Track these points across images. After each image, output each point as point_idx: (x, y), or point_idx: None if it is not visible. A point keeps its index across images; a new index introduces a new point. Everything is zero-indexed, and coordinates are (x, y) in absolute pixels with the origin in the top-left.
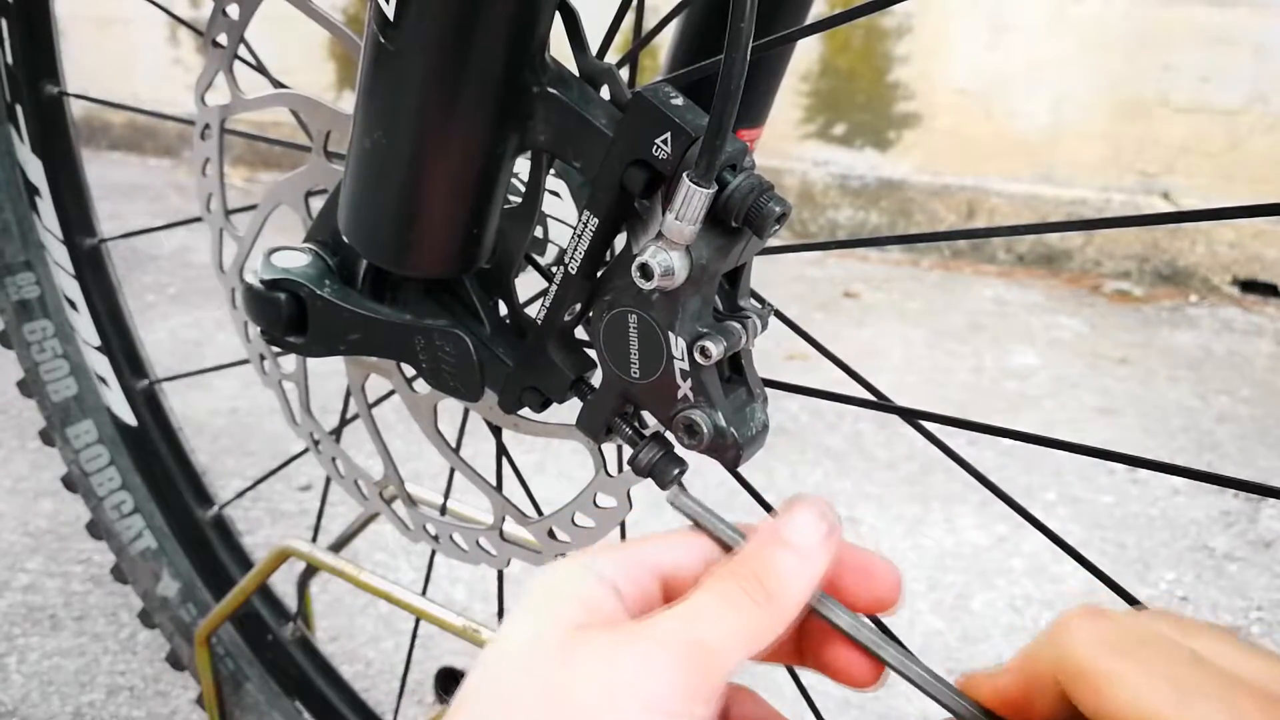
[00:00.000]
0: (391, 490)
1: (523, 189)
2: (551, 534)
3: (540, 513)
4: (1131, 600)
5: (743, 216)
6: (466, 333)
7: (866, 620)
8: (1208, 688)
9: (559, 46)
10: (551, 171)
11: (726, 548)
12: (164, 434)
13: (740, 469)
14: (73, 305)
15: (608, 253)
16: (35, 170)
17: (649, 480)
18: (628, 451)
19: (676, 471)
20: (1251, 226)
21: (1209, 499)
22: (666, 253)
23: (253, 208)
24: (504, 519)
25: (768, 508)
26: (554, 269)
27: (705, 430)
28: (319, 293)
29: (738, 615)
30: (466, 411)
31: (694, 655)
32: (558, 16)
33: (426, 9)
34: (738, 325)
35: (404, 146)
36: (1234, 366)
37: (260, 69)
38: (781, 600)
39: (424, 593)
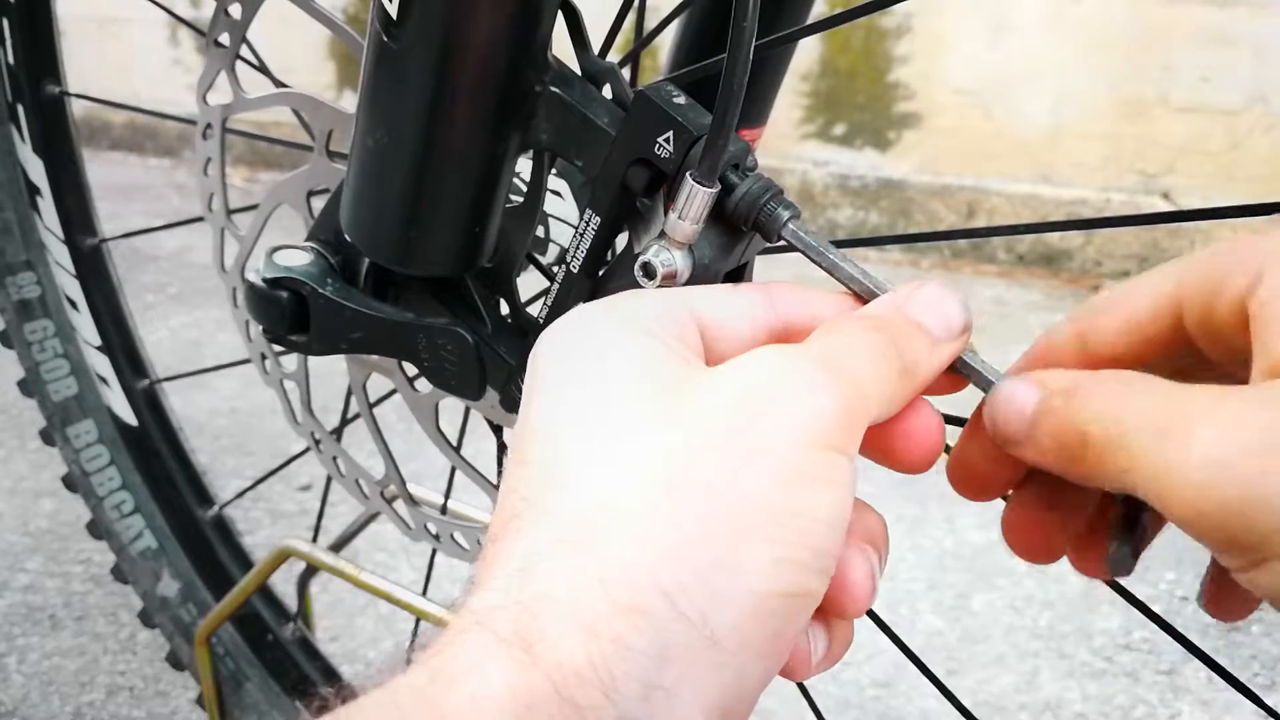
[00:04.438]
0: (392, 490)
1: (525, 188)
2: None
3: None
4: (1132, 600)
5: (752, 221)
6: (468, 331)
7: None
8: None
9: (561, 45)
10: (553, 170)
11: (855, 294)
12: (164, 434)
13: None
14: (73, 305)
15: (610, 252)
16: (36, 170)
17: None
18: None
19: None
20: (1251, 226)
21: None
22: (669, 252)
23: (254, 207)
24: None
25: None
26: (556, 268)
27: None
28: (321, 291)
29: (884, 367)
30: (468, 410)
31: (850, 388)
32: (560, 15)
33: (429, 8)
34: None
35: (406, 145)
36: None
37: (262, 68)
38: (912, 378)
39: (424, 593)
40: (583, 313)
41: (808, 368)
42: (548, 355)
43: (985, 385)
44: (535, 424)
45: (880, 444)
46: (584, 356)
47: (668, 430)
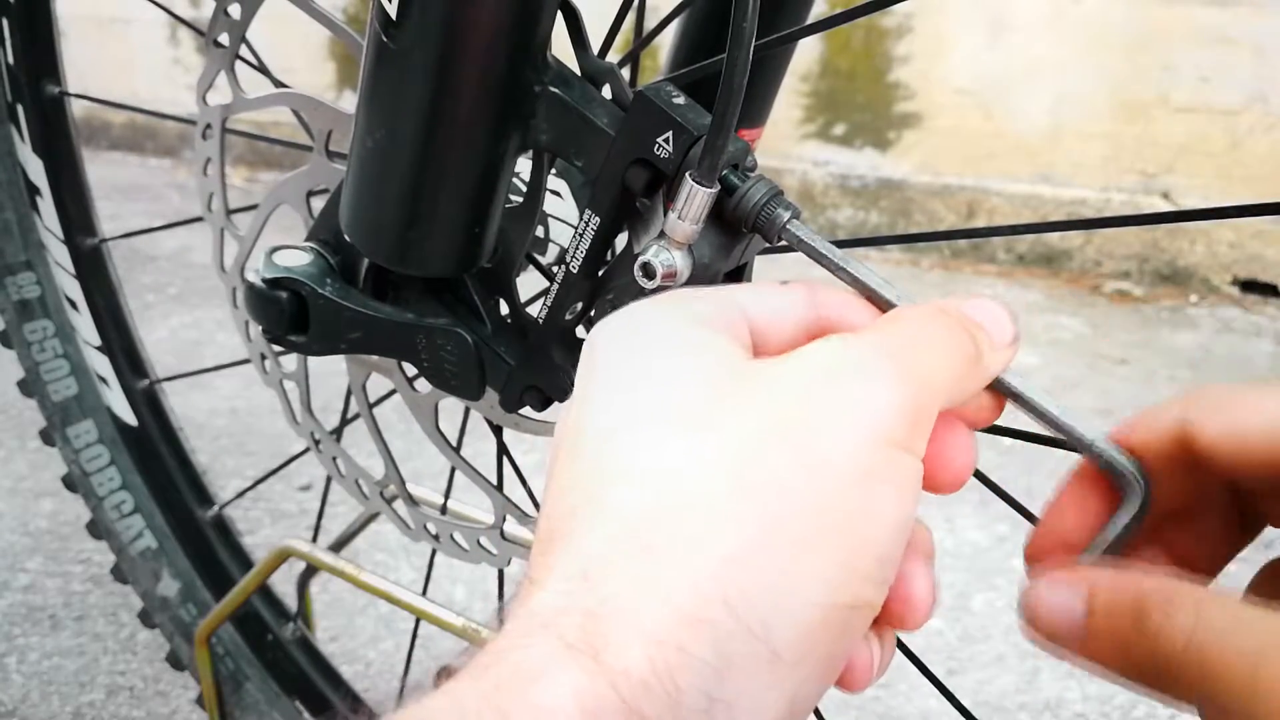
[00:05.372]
0: (392, 490)
1: (524, 188)
2: None
3: None
4: None
5: (752, 223)
6: (468, 332)
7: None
8: None
9: (560, 46)
10: (553, 171)
11: (878, 304)
12: (164, 434)
13: None
14: (73, 305)
15: (609, 252)
16: (36, 170)
17: None
18: None
19: None
20: (1251, 226)
21: None
22: (669, 252)
23: (254, 207)
24: (505, 518)
25: None
26: (555, 268)
27: None
28: (321, 291)
29: (950, 355)
30: (467, 411)
31: (917, 384)
32: (559, 16)
33: (429, 8)
34: None
35: (406, 146)
36: (1234, 366)
37: (261, 68)
38: (983, 369)
39: (424, 593)
40: (638, 308)
41: (873, 359)
42: (604, 349)
43: (1043, 418)
44: (591, 419)
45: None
46: (641, 352)
47: (729, 429)
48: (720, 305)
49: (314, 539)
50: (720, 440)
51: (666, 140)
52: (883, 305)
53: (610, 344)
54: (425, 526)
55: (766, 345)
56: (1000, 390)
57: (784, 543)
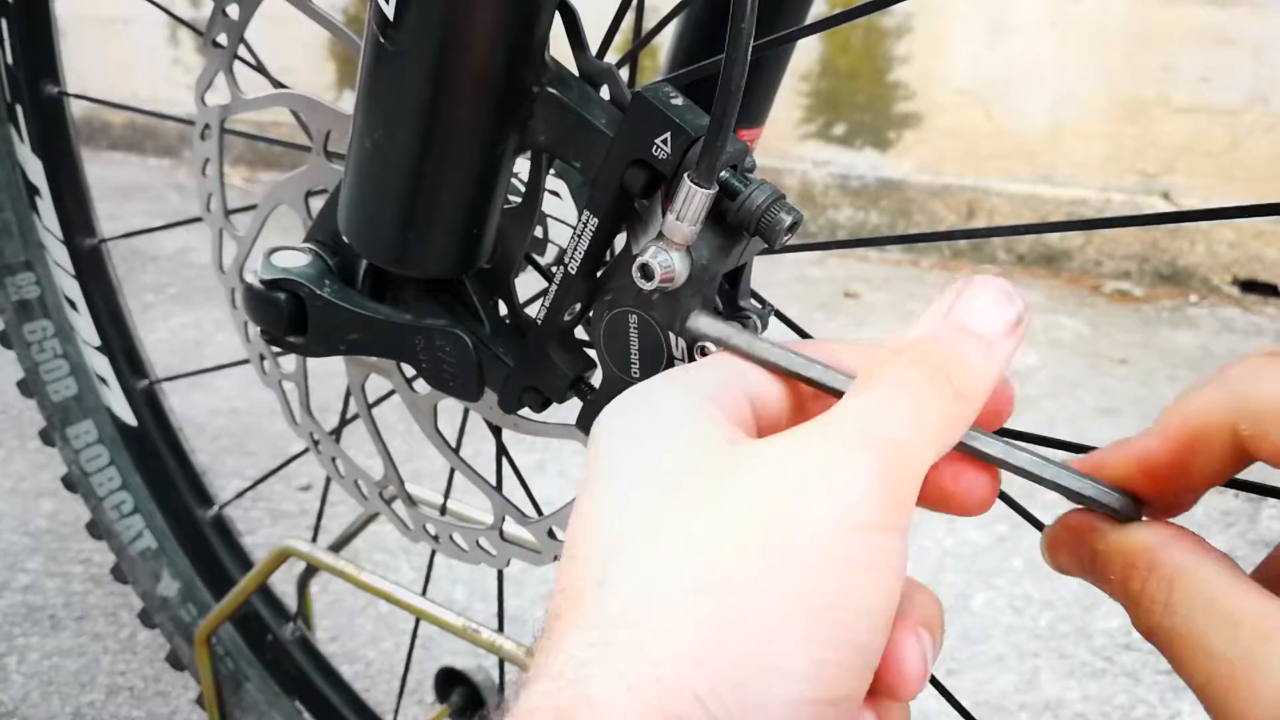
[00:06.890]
0: (391, 490)
1: (523, 189)
2: (551, 534)
3: (540, 513)
4: None
5: (754, 227)
6: (466, 333)
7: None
8: None
9: (559, 46)
10: (551, 171)
11: (816, 386)
12: (164, 434)
13: None
14: (73, 305)
15: (608, 253)
16: (35, 170)
17: None
18: None
19: None
20: (1251, 226)
21: (1209, 499)
22: (667, 253)
23: (253, 208)
24: (504, 519)
25: None
26: (554, 269)
27: None
28: (319, 293)
29: (928, 409)
30: (466, 411)
31: (889, 455)
32: (557, 16)
33: (426, 9)
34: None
35: (404, 146)
36: None
37: (260, 69)
38: (970, 396)
39: (424, 593)
40: (640, 393)
41: (838, 447)
42: (602, 440)
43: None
44: (586, 516)
45: (932, 493)
46: (632, 444)
47: (706, 524)
48: (723, 380)
49: (314, 539)
50: (694, 537)
51: (664, 141)
52: (829, 393)
53: (608, 432)
54: (424, 527)
55: (767, 413)
56: (969, 452)
57: (755, 636)
